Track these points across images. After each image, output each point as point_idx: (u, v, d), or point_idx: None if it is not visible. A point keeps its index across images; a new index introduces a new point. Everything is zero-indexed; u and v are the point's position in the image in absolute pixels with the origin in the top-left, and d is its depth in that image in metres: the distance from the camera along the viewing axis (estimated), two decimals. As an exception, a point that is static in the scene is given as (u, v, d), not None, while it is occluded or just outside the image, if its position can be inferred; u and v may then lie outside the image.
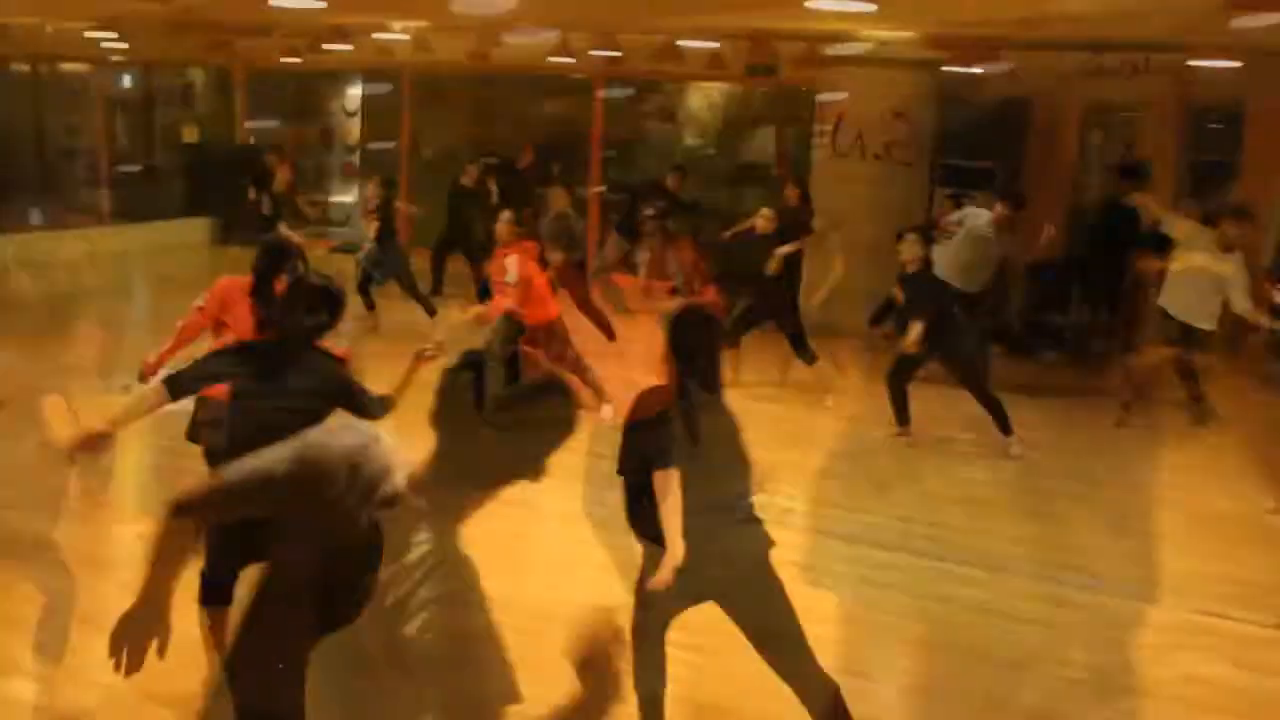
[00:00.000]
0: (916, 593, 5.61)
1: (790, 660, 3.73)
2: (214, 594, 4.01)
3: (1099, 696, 4.60)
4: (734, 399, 3.88)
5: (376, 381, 4.21)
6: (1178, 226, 8.25)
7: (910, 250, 7.81)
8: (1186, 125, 11.33)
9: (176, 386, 3.96)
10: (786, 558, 5.74)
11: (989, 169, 11.34)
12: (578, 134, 14.82)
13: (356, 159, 16.95)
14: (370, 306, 10.47)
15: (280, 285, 5.63)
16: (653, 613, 3.87)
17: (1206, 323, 8.12)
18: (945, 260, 8.72)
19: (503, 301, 7.55)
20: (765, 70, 12.33)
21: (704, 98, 15.34)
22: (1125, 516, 6.92)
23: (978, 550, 6.14)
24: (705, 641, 4.64)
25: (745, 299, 8.83)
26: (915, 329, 7.50)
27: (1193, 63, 8.14)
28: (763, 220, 8.87)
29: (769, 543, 3.81)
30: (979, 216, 9.03)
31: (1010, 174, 11.58)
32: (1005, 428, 7.79)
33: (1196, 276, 8.03)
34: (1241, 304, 7.86)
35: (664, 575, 3.50)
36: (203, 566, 3.98)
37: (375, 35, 11.97)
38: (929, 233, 8.54)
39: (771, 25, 9.14)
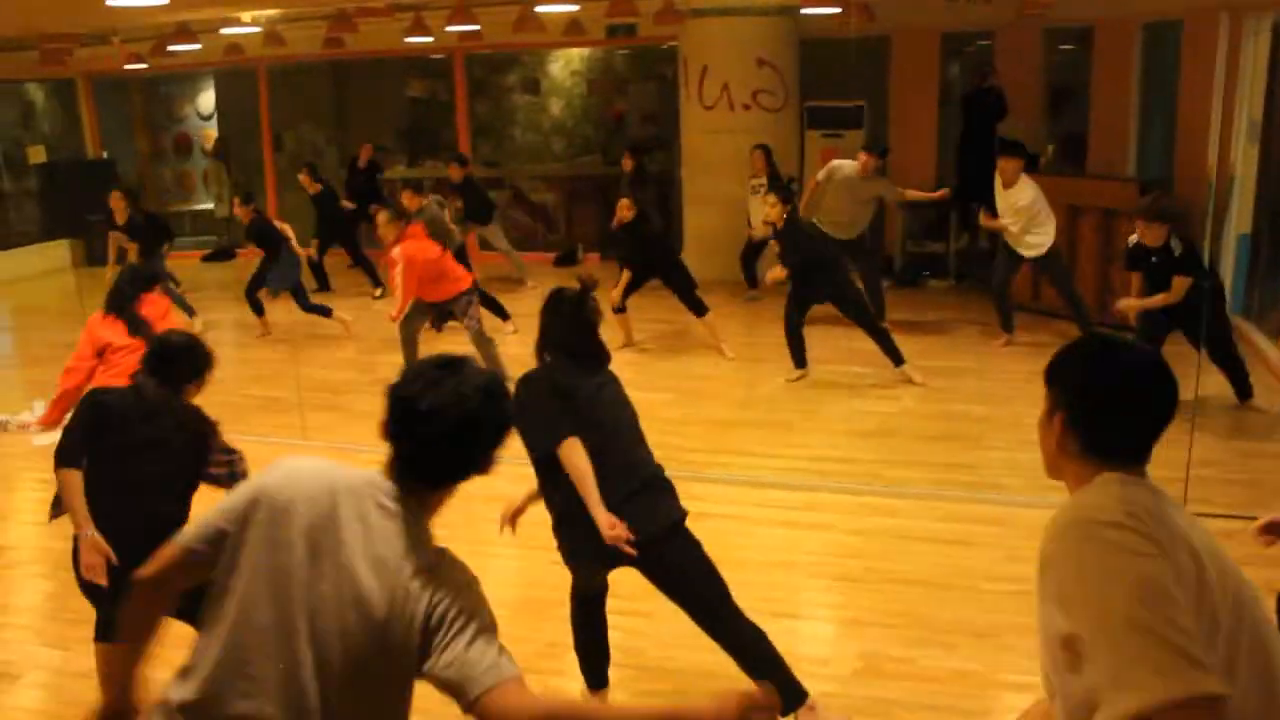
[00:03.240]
0: (837, 528, 5.67)
1: (712, 618, 3.76)
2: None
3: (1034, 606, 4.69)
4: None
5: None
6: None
7: (771, 211, 8.09)
8: (1041, 48, 11.60)
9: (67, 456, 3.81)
10: (706, 510, 5.80)
11: (858, 107, 11.45)
12: (444, 113, 14.62)
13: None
14: (259, 313, 10.16)
15: (143, 307, 5.68)
16: (586, 580, 3.91)
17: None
18: (821, 211, 9.35)
19: (403, 295, 7.84)
20: (626, 30, 12.26)
21: (565, 65, 15.20)
22: (1026, 429, 7.08)
23: (891, 480, 6.24)
24: (642, 606, 4.63)
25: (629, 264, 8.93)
26: (776, 272, 8.06)
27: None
28: (624, 210, 8.92)
29: (681, 509, 3.85)
30: (843, 168, 9.39)
31: (876, 111, 11.73)
32: (897, 359, 7.97)
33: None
34: None
35: (610, 536, 3.58)
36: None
37: (224, 30, 11.57)
38: (788, 187, 8.77)
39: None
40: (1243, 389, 7.26)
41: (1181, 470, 5.95)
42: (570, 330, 3.89)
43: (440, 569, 2.16)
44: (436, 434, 2.16)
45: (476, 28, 10.66)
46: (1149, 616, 1.72)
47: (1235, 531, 5.42)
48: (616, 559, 3.70)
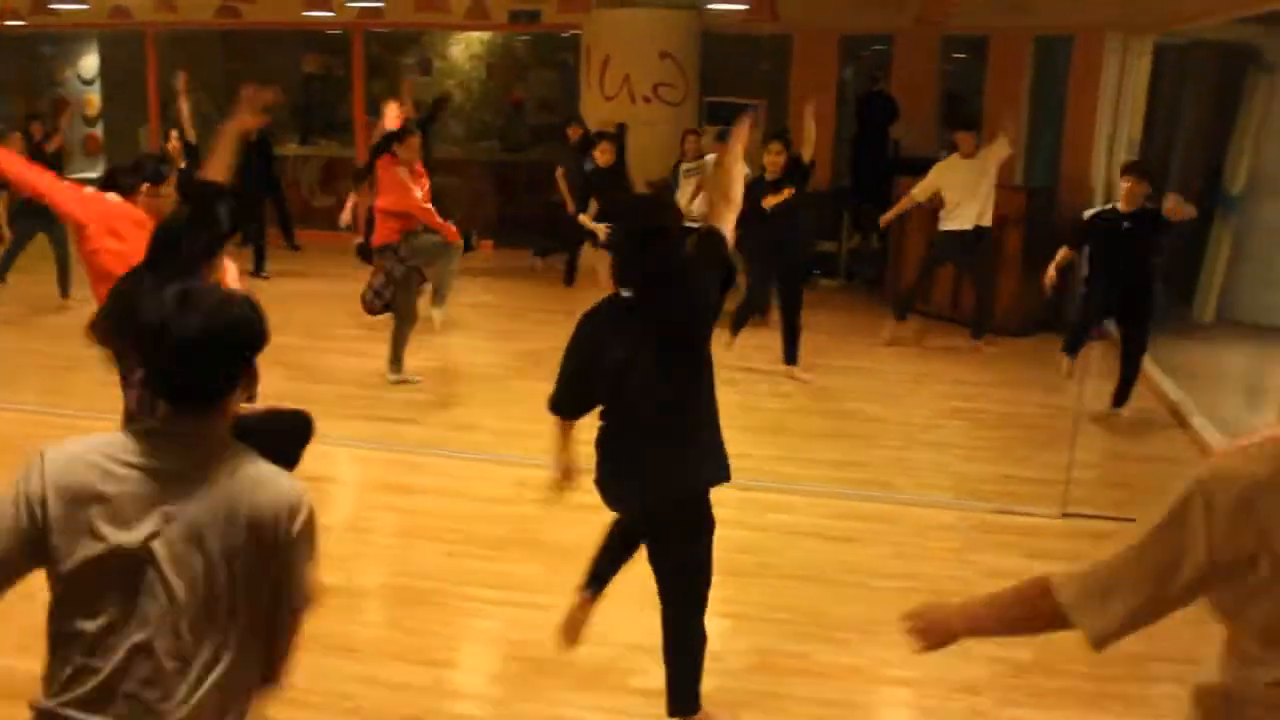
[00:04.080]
0: (729, 524, 5.63)
1: (683, 604, 3.80)
2: None
3: (917, 602, 4.80)
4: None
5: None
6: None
7: (777, 159, 7.95)
8: (938, 55, 11.84)
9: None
10: (599, 503, 5.81)
11: (755, 105, 11.54)
12: (339, 90, 14.32)
13: (100, 131, 15.85)
14: None
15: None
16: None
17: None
18: None
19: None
20: (530, 16, 12.17)
21: (465, 48, 15.03)
22: (916, 429, 7.26)
23: (784, 476, 6.32)
24: (539, 599, 4.63)
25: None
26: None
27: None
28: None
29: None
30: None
31: (776, 109, 11.84)
32: (791, 357, 8.08)
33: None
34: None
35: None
36: None
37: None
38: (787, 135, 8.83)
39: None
40: (1126, 395, 7.51)
41: (1062, 473, 6.15)
42: (628, 256, 3.51)
43: None
44: (182, 355, 2.16)
45: (378, 4, 10.48)
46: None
47: (1111, 533, 5.64)
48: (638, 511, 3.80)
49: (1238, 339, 9.22)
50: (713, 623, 4.79)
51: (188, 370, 2.16)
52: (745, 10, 9.98)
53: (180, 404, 2.18)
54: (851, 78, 13.27)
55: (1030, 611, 2.11)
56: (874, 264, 11.35)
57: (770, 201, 7.82)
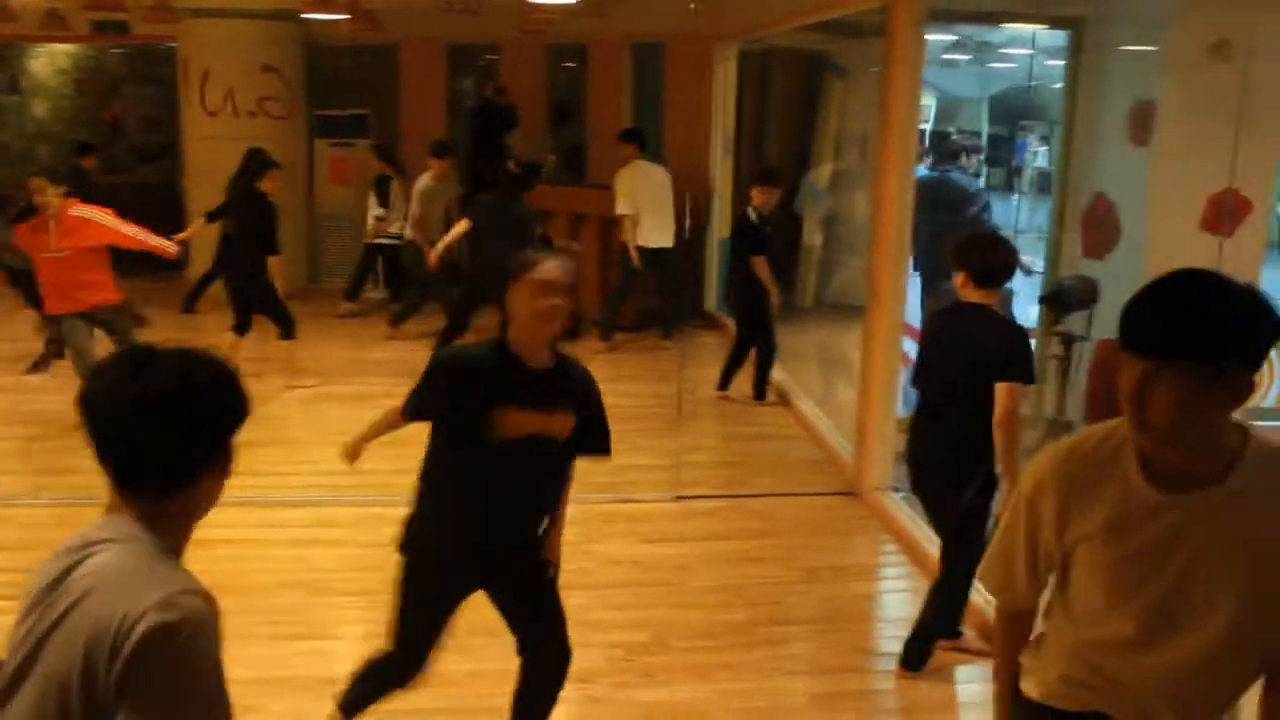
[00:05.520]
0: (353, 543, 5.63)
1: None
2: None
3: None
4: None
5: None
6: None
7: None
8: (545, 64, 12.14)
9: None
10: (208, 536, 5.53)
11: (363, 116, 11.44)
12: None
13: None
14: None
15: None
16: None
17: None
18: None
19: None
20: (116, 27, 11.43)
21: (50, 62, 13.93)
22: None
23: (401, 488, 6.26)
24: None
25: None
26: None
27: (534, -1, 8.67)
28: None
29: None
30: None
31: (386, 120, 11.77)
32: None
33: None
34: None
35: None
36: None
37: None
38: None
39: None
40: (728, 381, 8.03)
41: (673, 458, 6.48)
42: None
43: None
44: (119, 428, 1.83)
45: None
46: None
47: (719, 510, 6.01)
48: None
49: (829, 320, 10.04)
50: (336, 645, 4.74)
51: (117, 446, 1.83)
52: (347, 20, 9.79)
53: (121, 485, 1.85)
54: (472, 88, 13.35)
55: None
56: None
57: None
